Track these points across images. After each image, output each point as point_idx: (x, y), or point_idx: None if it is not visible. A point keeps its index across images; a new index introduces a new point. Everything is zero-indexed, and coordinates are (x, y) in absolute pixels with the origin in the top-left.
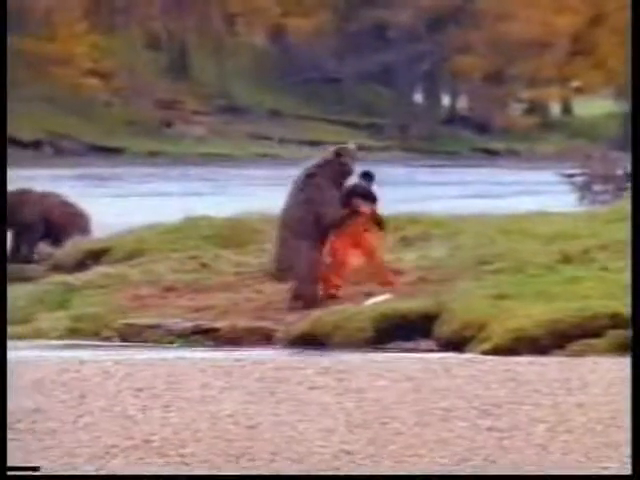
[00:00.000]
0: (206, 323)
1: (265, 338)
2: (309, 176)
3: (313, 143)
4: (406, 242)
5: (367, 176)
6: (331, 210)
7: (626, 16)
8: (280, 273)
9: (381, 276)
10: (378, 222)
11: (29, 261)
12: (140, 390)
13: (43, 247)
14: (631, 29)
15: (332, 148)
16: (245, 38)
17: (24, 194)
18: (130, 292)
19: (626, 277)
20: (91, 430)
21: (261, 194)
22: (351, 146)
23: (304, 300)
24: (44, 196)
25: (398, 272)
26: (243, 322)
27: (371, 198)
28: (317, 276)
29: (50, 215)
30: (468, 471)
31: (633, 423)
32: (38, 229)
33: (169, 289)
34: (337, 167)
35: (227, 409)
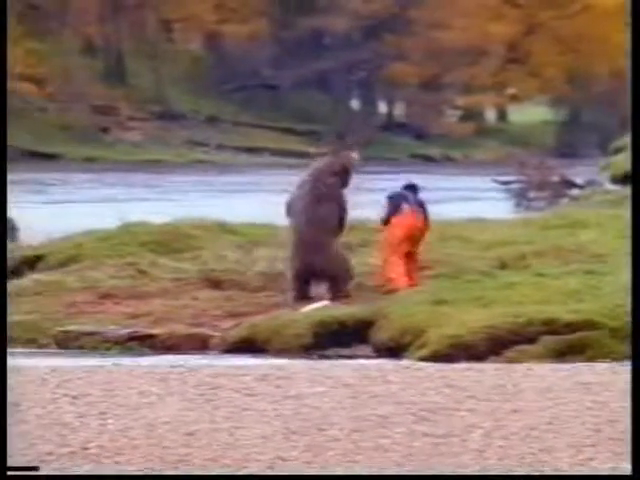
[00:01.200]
0: (143, 330)
1: (202, 344)
2: (324, 175)
3: (250, 150)
4: (345, 249)
5: (411, 188)
6: (345, 211)
7: (562, 24)
8: (305, 272)
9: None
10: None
11: None
12: (76, 397)
13: None
14: (631, 30)
15: (341, 154)
16: (181, 45)
17: None
18: (66, 299)
19: (561, 283)
20: (26, 438)
21: (198, 200)
22: (353, 154)
23: (343, 296)
24: None
25: None
26: (180, 328)
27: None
28: (349, 272)
29: None
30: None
31: (633, 424)
32: None
33: (106, 296)
34: (344, 172)
35: (164, 416)
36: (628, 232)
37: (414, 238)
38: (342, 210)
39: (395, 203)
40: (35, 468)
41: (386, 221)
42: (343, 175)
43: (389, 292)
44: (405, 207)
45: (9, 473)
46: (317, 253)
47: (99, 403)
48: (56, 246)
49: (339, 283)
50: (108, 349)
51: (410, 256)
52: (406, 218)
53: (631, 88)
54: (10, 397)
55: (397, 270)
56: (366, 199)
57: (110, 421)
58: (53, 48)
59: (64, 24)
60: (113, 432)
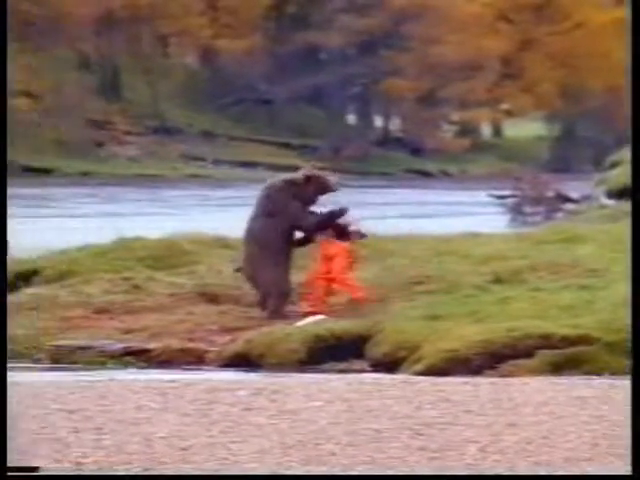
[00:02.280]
0: (139, 344)
1: (198, 359)
2: (274, 191)
3: (245, 164)
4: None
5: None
6: (304, 218)
7: (555, 40)
8: (250, 287)
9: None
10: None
11: None
12: (72, 412)
13: None
14: (631, 31)
15: (302, 170)
16: (177, 59)
17: None
18: (61, 314)
19: (557, 297)
20: (22, 453)
21: (194, 215)
22: (321, 172)
23: (273, 315)
24: None
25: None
26: (176, 343)
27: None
28: (283, 290)
29: None
30: None
31: (633, 423)
32: None
33: (101, 310)
34: (306, 188)
35: (160, 431)
36: (627, 245)
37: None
38: (289, 226)
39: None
40: (35, 468)
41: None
42: (295, 192)
43: (363, 304)
44: (352, 229)
45: (9, 473)
46: (254, 268)
47: (95, 418)
48: (52, 261)
49: (269, 300)
50: (103, 363)
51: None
52: (352, 243)
53: (631, 87)
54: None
55: (356, 285)
56: (361, 213)
57: (106, 436)
58: (48, 63)
59: (59, 39)
60: (109, 448)
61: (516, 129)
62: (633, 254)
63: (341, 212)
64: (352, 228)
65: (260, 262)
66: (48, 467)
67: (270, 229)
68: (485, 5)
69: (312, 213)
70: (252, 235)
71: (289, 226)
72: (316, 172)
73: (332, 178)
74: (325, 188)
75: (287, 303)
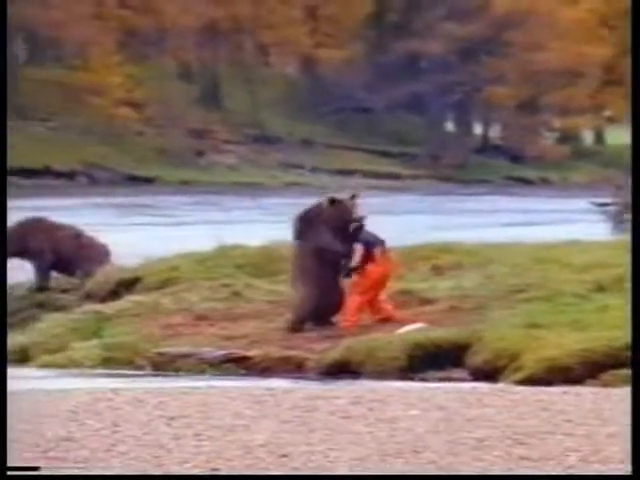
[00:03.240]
0: (238, 352)
1: (297, 367)
2: (306, 215)
3: (344, 172)
4: (438, 271)
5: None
6: (330, 245)
7: None
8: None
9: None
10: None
11: (66, 290)
12: (172, 419)
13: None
14: (631, 30)
15: (328, 196)
16: (277, 68)
17: (36, 223)
18: (162, 321)
19: None
20: (124, 459)
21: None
22: (346, 196)
23: (288, 330)
24: (56, 227)
25: (429, 301)
26: (275, 351)
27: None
28: (298, 311)
29: (59, 246)
30: None
31: (633, 422)
32: (46, 258)
33: (201, 317)
34: (333, 214)
35: (259, 438)
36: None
37: (384, 283)
38: (318, 250)
39: (368, 250)
40: (35, 468)
41: (357, 269)
42: (321, 216)
43: (349, 329)
44: (376, 252)
45: (9, 473)
46: (292, 287)
47: (195, 425)
48: (153, 268)
49: (290, 315)
50: (203, 371)
51: (376, 297)
52: (378, 265)
53: (631, 86)
54: (107, 418)
55: (358, 313)
56: (461, 221)
57: (206, 443)
58: (151, 73)
59: (162, 50)
60: (209, 454)
61: (619, 136)
62: (633, 259)
63: (362, 232)
64: (376, 249)
65: (294, 282)
66: (151, 473)
67: (302, 252)
68: (588, 11)
69: (341, 238)
70: (291, 256)
71: (318, 250)
72: (342, 198)
73: (356, 207)
74: (346, 216)
75: (302, 325)
